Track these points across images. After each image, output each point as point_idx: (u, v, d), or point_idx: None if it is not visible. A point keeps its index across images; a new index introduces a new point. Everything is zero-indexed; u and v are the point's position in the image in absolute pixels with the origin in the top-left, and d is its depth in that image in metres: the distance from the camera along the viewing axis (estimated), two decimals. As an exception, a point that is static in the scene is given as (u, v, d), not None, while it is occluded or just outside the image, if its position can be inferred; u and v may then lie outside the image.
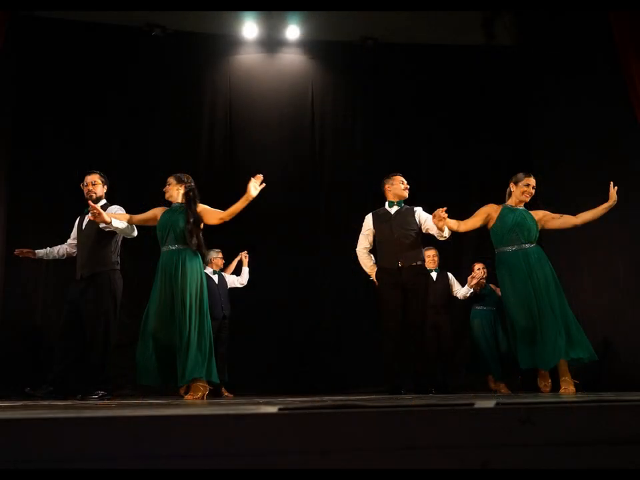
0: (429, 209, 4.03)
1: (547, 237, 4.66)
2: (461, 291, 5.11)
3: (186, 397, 3.40)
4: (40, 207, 5.46)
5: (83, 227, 4.06)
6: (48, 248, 4.24)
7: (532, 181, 3.90)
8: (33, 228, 5.32)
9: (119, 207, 4.03)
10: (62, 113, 5.67)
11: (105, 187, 4.12)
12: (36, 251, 4.21)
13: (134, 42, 5.97)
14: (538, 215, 3.93)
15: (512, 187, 3.95)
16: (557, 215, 3.94)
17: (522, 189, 3.88)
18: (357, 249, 4.24)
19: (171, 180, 3.75)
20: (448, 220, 3.79)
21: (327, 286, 5.89)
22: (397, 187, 4.15)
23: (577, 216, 3.88)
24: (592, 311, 5.01)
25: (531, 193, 3.91)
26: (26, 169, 5.45)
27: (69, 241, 4.23)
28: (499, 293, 4.54)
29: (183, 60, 6.08)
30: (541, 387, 3.81)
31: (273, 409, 1.08)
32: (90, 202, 3.74)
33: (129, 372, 4.65)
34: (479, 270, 5.10)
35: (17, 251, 4.21)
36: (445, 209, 3.72)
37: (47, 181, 5.48)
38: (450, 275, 5.18)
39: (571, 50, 5.52)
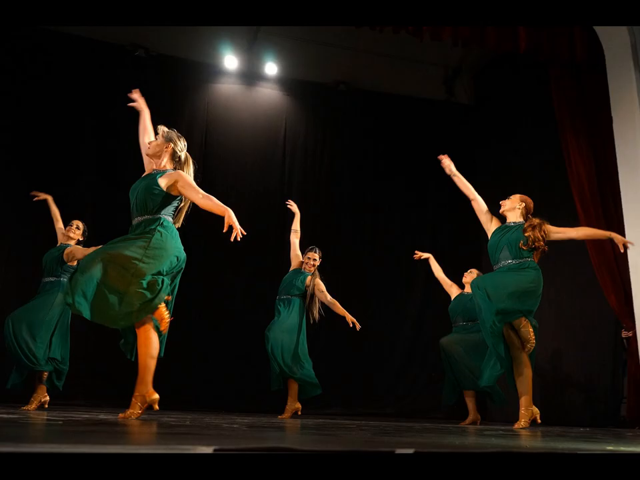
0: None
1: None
2: None
3: (120, 415, 2.76)
4: (40, 207, 5.54)
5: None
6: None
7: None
8: (34, 228, 5.35)
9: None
10: (43, 125, 5.75)
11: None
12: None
13: (117, 60, 6.11)
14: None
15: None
16: None
17: None
18: None
19: None
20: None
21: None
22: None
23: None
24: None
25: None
26: (26, 168, 5.54)
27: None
28: None
29: (164, 82, 6.19)
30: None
31: (208, 449, 1.09)
32: None
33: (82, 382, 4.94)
34: None
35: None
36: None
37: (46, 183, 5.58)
38: None
39: (515, 112, 6.10)
